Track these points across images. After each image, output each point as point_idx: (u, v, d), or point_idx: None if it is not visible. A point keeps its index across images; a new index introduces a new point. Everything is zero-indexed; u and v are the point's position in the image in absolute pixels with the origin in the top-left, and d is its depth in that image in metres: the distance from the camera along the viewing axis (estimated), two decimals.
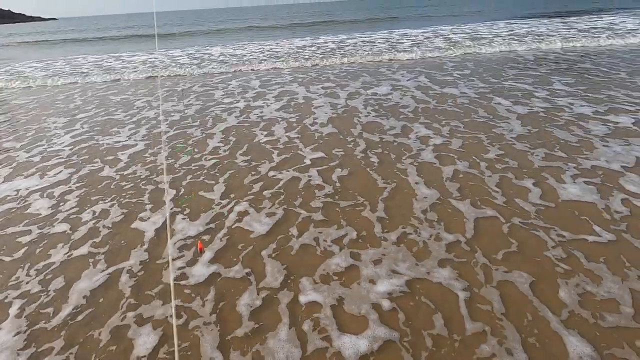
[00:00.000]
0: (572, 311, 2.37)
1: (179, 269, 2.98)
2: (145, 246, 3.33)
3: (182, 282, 2.85)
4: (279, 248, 3.18)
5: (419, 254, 3.00)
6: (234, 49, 17.40)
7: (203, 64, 13.54)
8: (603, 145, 4.81)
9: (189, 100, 8.54)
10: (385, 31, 22.07)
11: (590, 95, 7.04)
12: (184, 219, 3.72)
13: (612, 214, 3.36)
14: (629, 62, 9.78)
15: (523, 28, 19.12)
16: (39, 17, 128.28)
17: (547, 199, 3.68)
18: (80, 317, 2.57)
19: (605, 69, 9.14)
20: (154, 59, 15.74)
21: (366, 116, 6.61)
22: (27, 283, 2.95)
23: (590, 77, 8.44)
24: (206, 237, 3.39)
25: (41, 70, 14.82)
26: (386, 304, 2.51)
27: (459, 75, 9.43)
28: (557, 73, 9.06)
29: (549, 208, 3.52)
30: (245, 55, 15.12)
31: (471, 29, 19.95)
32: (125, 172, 4.90)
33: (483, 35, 16.87)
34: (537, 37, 15.17)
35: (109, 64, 15.30)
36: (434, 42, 15.67)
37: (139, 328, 2.45)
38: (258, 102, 8.06)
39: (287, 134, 5.93)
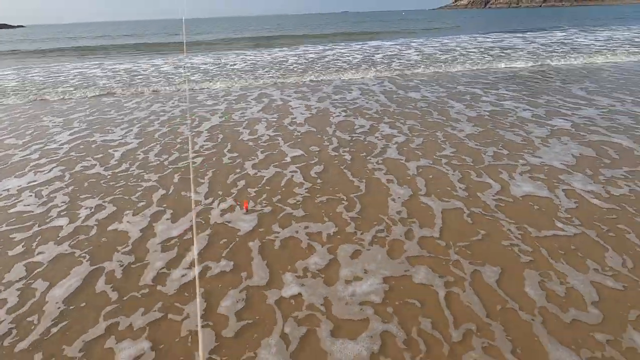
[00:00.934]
0: (536, 299, 2.54)
1: (161, 269, 2.97)
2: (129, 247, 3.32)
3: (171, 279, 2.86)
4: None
5: (393, 244, 3.13)
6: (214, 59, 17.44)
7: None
8: (544, 145, 5.18)
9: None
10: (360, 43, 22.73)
11: (531, 99, 7.64)
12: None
13: (564, 208, 3.60)
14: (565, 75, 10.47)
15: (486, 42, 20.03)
16: (5, 25, 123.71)
17: (505, 194, 3.90)
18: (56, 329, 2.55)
19: (545, 78, 9.82)
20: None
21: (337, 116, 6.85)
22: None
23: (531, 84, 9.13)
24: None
25: None
26: (365, 287, 2.62)
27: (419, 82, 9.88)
28: (503, 80, 9.71)
29: (508, 202, 3.74)
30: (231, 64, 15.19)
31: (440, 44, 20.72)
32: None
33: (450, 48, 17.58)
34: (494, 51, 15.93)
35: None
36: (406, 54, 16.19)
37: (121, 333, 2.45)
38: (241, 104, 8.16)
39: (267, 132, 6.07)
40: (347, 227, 3.40)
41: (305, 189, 4.19)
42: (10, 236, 3.51)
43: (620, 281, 2.59)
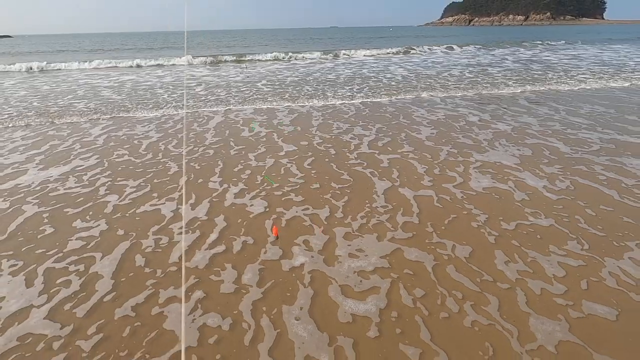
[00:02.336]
0: (503, 269, 3.25)
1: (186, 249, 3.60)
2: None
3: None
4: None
5: (378, 228, 3.82)
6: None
7: None
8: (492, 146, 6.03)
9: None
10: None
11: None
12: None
13: (520, 199, 4.38)
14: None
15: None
16: None
17: (467, 187, 4.68)
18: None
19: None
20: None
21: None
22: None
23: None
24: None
25: None
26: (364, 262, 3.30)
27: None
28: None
29: (471, 194, 4.50)
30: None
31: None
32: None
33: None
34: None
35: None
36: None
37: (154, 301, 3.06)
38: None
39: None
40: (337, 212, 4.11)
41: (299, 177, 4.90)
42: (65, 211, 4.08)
43: (577, 259, 3.29)
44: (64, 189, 4.84)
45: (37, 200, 4.54)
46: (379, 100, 10.38)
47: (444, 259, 3.25)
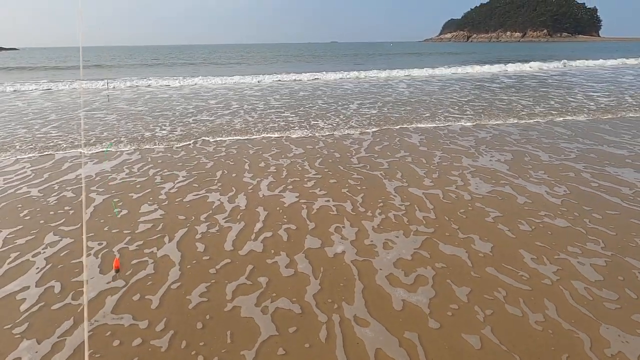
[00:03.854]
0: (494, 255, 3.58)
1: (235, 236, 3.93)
2: None
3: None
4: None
5: (386, 222, 4.16)
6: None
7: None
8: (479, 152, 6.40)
9: None
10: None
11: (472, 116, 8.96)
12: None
13: (521, 202, 4.73)
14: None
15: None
16: None
17: (471, 190, 5.03)
18: None
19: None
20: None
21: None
22: None
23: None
24: None
25: None
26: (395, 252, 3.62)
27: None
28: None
29: (479, 197, 4.86)
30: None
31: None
32: None
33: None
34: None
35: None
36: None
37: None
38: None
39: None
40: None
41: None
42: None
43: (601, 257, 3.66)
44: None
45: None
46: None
47: (477, 255, 3.58)
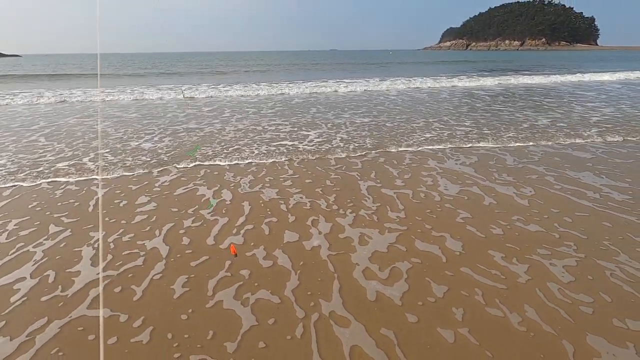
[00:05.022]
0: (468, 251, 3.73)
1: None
2: None
3: None
4: None
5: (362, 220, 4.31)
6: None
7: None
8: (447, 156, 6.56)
9: None
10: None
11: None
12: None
13: (489, 201, 4.88)
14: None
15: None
16: (0, 54, 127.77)
17: (442, 192, 5.19)
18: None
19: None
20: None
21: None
22: None
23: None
24: None
25: None
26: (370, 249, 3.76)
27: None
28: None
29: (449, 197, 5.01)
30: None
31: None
32: None
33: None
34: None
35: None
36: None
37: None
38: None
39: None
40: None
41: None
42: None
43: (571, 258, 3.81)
44: None
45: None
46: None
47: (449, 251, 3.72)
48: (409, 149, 7.64)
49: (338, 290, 3.23)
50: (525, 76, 25.87)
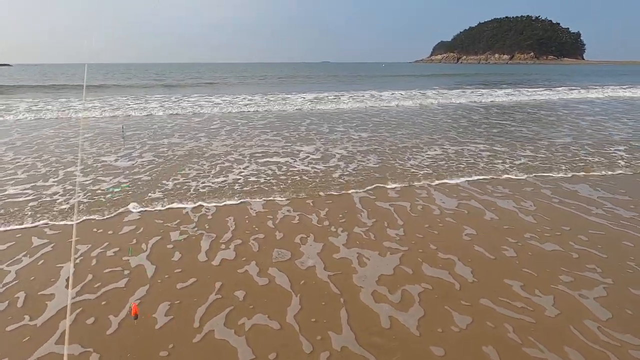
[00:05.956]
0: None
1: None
2: None
3: None
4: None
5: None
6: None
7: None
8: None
9: None
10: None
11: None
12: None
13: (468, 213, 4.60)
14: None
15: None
16: None
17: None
18: None
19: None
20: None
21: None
22: None
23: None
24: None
25: None
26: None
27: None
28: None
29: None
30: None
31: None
32: None
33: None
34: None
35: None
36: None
37: None
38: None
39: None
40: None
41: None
42: None
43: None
44: None
45: None
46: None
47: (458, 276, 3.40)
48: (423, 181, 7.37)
49: (347, 320, 2.88)
50: (538, 91, 24.65)
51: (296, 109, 15.19)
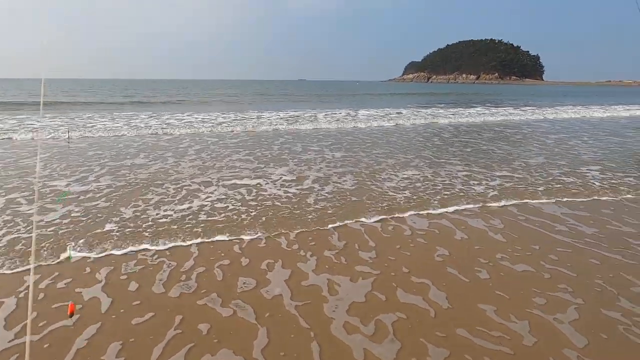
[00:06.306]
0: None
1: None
2: None
3: None
4: None
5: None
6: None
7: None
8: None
9: None
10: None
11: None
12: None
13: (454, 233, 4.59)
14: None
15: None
16: None
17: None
18: None
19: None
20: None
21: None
22: None
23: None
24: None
25: None
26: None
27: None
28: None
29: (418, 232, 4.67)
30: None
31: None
32: None
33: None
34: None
35: None
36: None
37: None
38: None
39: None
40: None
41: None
42: None
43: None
44: None
45: None
46: None
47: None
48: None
49: (319, 354, 2.67)
50: (504, 110, 26.12)
51: (270, 128, 14.99)
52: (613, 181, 7.43)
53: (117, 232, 4.70)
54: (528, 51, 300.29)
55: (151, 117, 18.10)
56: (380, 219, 5.25)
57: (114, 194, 6.18)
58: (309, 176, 7.51)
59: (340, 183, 7.04)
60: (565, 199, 6.24)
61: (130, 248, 4.29)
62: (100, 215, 5.23)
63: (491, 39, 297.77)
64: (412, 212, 5.53)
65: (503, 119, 20.36)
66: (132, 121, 16.17)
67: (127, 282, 3.60)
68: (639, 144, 12.47)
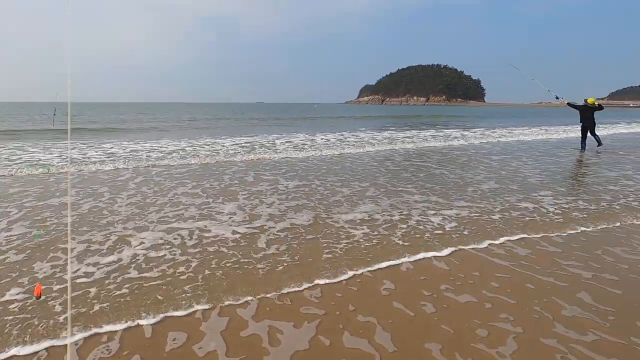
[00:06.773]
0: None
1: None
2: None
3: None
4: None
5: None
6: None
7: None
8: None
9: None
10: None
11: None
12: None
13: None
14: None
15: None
16: None
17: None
18: None
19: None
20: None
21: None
22: None
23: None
24: None
25: None
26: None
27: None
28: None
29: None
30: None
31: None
32: None
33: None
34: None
35: None
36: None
37: None
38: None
39: None
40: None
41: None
42: None
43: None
44: None
45: None
46: None
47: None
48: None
49: None
50: (451, 131, 28.39)
51: (223, 155, 14.55)
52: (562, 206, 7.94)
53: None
54: (470, 75, 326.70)
55: (89, 147, 16.69)
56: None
57: (24, 249, 5.00)
58: (261, 214, 7.13)
59: (294, 218, 6.79)
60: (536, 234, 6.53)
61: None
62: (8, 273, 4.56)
63: (437, 64, 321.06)
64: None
65: (450, 144, 21.49)
66: (65, 152, 14.63)
67: None
68: (571, 164, 13.68)
